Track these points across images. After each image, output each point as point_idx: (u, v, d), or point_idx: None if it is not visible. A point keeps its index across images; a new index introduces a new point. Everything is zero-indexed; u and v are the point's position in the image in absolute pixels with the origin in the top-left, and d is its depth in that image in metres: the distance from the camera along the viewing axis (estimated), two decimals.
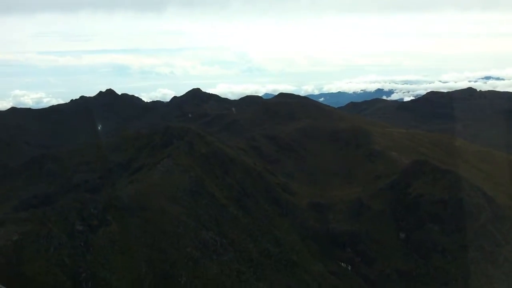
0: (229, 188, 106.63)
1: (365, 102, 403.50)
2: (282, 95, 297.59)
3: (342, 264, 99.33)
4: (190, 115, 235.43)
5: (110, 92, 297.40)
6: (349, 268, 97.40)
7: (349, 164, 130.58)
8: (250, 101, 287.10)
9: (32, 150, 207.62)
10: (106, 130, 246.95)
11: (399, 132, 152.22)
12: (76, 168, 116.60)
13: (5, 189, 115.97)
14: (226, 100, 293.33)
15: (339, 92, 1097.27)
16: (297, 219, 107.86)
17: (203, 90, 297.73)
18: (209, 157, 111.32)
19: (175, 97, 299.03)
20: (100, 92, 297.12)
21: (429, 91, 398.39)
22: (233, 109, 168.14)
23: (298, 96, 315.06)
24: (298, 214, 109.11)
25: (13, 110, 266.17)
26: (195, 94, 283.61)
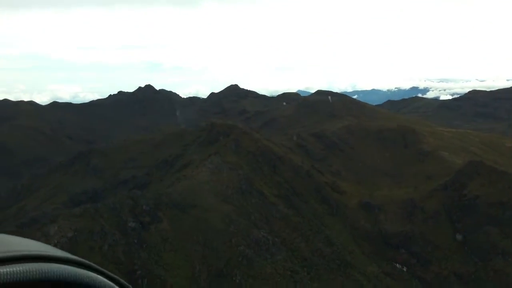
0: (278, 186, 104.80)
1: (403, 100, 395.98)
2: (319, 93, 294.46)
3: (397, 265, 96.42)
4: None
5: (148, 87, 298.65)
6: (405, 270, 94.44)
7: (398, 164, 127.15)
8: (288, 98, 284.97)
9: (74, 144, 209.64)
10: (146, 125, 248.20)
11: (448, 131, 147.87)
12: (123, 164, 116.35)
13: (53, 185, 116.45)
14: (264, 96, 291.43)
15: (373, 89, 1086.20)
16: (348, 219, 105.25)
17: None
18: (256, 155, 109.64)
19: (212, 93, 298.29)
20: (139, 87, 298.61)
21: (470, 89, 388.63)
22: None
23: (336, 93, 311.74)
24: (348, 214, 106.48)
25: (53, 105, 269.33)
26: (233, 91, 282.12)
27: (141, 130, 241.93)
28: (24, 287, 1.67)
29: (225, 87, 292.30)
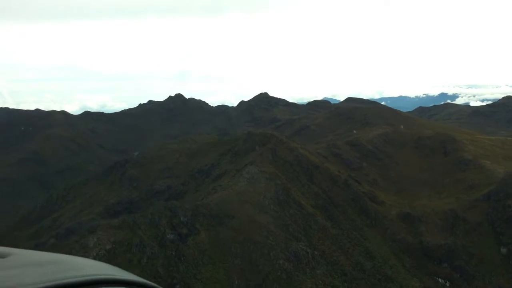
0: (315, 196, 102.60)
1: (435, 106, 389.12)
2: (349, 100, 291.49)
3: (440, 280, 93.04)
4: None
5: (178, 96, 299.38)
6: (448, 285, 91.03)
7: (437, 173, 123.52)
8: (319, 105, 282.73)
9: (106, 154, 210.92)
10: (177, 134, 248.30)
11: (488, 139, 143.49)
12: (158, 173, 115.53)
13: (89, 195, 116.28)
14: (294, 104, 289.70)
15: (400, 96, 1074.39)
16: (387, 231, 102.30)
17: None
18: (293, 164, 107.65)
19: (242, 101, 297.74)
20: (170, 96, 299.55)
21: (500, 95, 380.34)
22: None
23: (367, 100, 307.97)
24: (387, 225, 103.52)
25: (85, 114, 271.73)
26: (263, 99, 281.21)
27: (171, 138, 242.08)
28: None
29: (253, 95, 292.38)
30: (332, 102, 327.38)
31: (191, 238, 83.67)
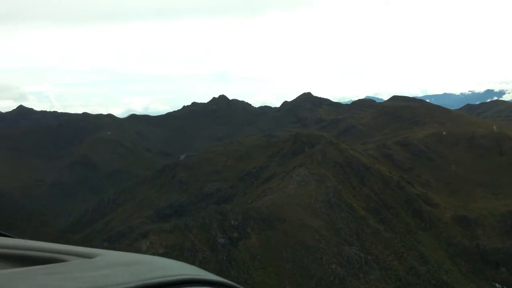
0: (367, 199, 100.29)
1: (483, 104, 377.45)
2: (395, 98, 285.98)
3: (497, 285, 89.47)
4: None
5: (222, 98, 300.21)
6: None
7: (493, 174, 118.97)
8: (363, 105, 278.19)
9: (152, 157, 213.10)
10: (222, 136, 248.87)
11: None
12: (207, 176, 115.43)
13: (139, 198, 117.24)
14: (337, 104, 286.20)
15: (445, 93, 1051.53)
16: (442, 234, 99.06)
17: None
18: (343, 166, 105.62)
19: (285, 101, 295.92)
20: (214, 98, 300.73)
21: None
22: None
23: (413, 98, 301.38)
24: (442, 229, 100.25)
25: (132, 117, 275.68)
26: (307, 99, 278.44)
27: (216, 140, 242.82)
28: None
29: (292, 94, 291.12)
30: (376, 101, 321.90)
31: (241, 242, 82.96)
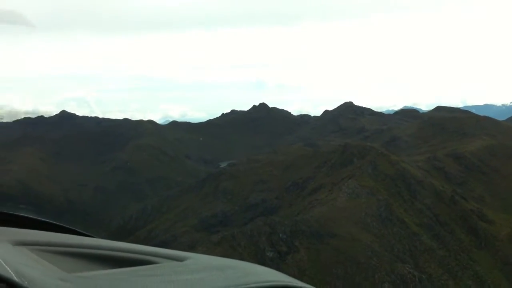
0: (419, 214, 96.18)
1: None
2: (439, 109, 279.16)
3: None
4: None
5: (262, 105, 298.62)
6: None
7: None
8: (406, 115, 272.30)
9: (193, 164, 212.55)
10: (262, 144, 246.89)
11: None
12: (252, 186, 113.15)
13: (183, 207, 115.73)
14: (380, 113, 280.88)
15: (486, 104, 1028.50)
16: (498, 253, 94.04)
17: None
18: (394, 179, 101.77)
19: (326, 110, 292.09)
20: (254, 106, 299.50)
21: None
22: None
23: (458, 109, 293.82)
24: (498, 247, 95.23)
25: (173, 124, 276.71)
26: (348, 108, 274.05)
27: (256, 149, 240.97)
28: None
29: (331, 103, 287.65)
30: (419, 112, 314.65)
31: (290, 256, 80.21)
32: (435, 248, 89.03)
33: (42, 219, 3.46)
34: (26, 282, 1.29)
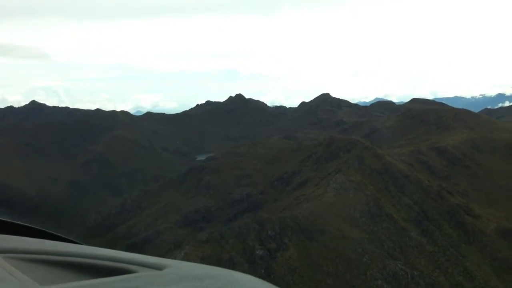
0: (407, 209, 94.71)
1: (502, 108, 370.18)
2: (415, 101, 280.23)
3: None
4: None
5: (239, 96, 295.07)
6: None
7: None
8: (383, 107, 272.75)
9: (170, 156, 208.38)
10: (238, 136, 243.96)
11: None
12: (236, 181, 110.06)
13: (164, 202, 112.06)
14: (356, 105, 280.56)
15: (455, 96, 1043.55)
16: (487, 248, 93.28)
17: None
18: (381, 173, 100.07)
19: (303, 102, 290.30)
20: (230, 97, 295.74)
21: None
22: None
23: (433, 101, 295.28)
24: (486, 242, 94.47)
25: (148, 115, 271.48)
26: (325, 100, 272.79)
27: (233, 141, 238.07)
28: None
29: (303, 93, 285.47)
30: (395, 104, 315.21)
31: (279, 253, 77.78)
32: (424, 243, 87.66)
33: (19, 222, 3.17)
34: None
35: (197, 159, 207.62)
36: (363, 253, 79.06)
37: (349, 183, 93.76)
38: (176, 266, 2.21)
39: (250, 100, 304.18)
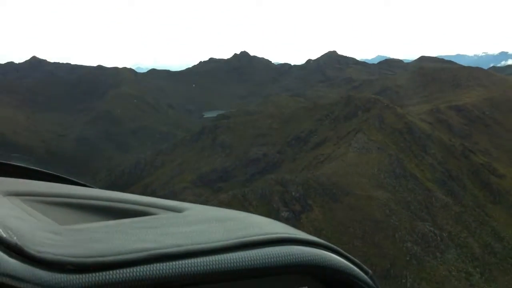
0: (431, 169, 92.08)
1: (509, 66, 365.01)
2: (423, 59, 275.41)
3: None
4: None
5: (244, 54, 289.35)
6: None
7: None
8: (391, 65, 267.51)
9: (176, 113, 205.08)
10: (245, 94, 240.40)
11: None
12: (252, 140, 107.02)
13: (179, 161, 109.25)
14: (365, 63, 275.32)
15: (457, 54, 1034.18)
16: None
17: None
18: (403, 133, 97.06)
19: (309, 60, 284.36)
20: (235, 54, 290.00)
21: None
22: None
23: (442, 59, 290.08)
24: None
25: (152, 72, 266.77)
26: (332, 57, 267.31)
27: (239, 98, 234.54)
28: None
29: (323, 52, 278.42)
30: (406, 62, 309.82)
31: (304, 215, 75.61)
32: (451, 204, 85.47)
33: (37, 168, 3.17)
34: (15, 237, 1.22)
35: (204, 116, 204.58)
36: (390, 214, 76.90)
37: (371, 142, 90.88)
38: (196, 209, 2.14)
39: (255, 57, 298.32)
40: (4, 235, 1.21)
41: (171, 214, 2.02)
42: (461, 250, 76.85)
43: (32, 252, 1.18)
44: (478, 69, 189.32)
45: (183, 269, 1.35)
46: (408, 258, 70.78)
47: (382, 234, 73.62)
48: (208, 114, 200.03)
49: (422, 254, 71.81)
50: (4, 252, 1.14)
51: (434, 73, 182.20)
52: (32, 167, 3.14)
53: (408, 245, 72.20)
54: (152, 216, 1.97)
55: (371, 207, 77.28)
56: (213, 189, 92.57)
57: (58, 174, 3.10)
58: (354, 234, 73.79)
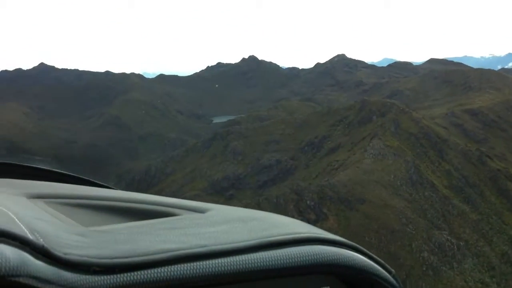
0: (448, 175, 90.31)
1: None
2: (432, 61, 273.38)
3: None
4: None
5: (252, 58, 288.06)
6: None
7: None
8: (400, 68, 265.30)
9: (185, 119, 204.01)
10: (253, 99, 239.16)
11: None
12: (264, 146, 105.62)
13: (190, 168, 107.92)
14: (375, 66, 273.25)
15: (465, 56, 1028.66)
16: None
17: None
18: (419, 138, 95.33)
19: (318, 63, 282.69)
20: (243, 58, 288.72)
21: None
22: None
23: (452, 62, 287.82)
24: None
25: (160, 77, 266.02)
26: (341, 60, 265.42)
27: (248, 103, 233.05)
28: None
29: (330, 56, 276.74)
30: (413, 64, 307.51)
31: (319, 224, 73.75)
32: (467, 212, 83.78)
33: (60, 171, 3.18)
34: (41, 239, 1.24)
35: (213, 121, 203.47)
36: (407, 223, 75.24)
37: (387, 148, 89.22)
38: (219, 209, 2.08)
39: (263, 61, 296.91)
40: (31, 237, 1.24)
41: (194, 214, 2.03)
42: (478, 259, 75.09)
43: (58, 254, 1.21)
44: (489, 71, 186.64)
45: (207, 270, 1.37)
46: (424, 269, 69.14)
47: (398, 243, 72.01)
48: (217, 120, 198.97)
49: (438, 264, 70.15)
50: (31, 254, 1.16)
51: (445, 75, 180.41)
52: (55, 170, 3.12)
53: (424, 255, 70.52)
54: (176, 217, 1.97)
55: (387, 216, 75.67)
56: (225, 197, 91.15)
57: (80, 176, 3.08)
58: (370, 244, 72.01)
